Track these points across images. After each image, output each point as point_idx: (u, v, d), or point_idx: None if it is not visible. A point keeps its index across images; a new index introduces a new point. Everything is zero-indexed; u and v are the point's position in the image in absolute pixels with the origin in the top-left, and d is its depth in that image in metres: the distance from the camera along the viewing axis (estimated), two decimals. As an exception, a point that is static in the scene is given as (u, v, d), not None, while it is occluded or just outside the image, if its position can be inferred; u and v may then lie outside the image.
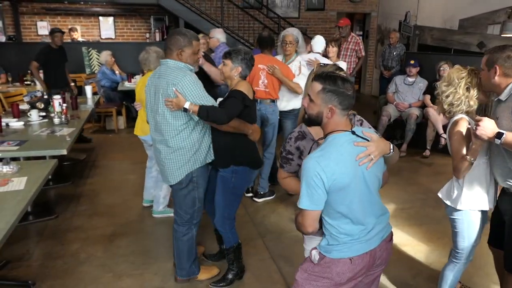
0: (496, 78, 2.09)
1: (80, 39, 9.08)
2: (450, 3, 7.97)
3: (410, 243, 3.50)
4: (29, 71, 7.41)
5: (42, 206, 4.04)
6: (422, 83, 6.00)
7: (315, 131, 1.94)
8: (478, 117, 2.03)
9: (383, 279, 2.93)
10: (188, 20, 8.25)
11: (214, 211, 2.86)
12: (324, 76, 1.67)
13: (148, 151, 3.98)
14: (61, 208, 4.10)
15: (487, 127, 1.96)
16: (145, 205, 4.13)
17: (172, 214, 3.36)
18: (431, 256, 3.31)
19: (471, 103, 2.24)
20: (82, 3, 9.26)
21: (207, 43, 5.00)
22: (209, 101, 2.50)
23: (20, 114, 4.40)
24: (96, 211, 4.07)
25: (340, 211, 1.67)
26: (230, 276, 2.91)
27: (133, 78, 7.49)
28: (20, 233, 3.53)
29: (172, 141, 2.56)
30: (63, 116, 4.29)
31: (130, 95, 6.34)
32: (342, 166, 1.62)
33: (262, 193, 4.36)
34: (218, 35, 5.05)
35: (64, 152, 3.45)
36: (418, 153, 5.82)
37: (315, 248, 1.78)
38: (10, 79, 7.52)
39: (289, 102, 4.30)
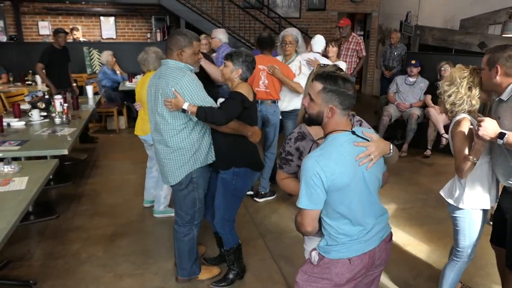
0: (498, 77, 2.09)
1: (81, 39, 9.10)
2: (451, 3, 7.96)
3: (411, 243, 3.49)
4: (30, 71, 7.44)
5: (43, 206, 4.04)
6: (423, 83, 5.99)
7: (314, 132, 1.93)
8: (480, 118, 2.03)
9: (384, 279, 2.93)
10: (189, 20, 8.26)
11: (213, 214, 2.86)
12: (325, 75, 1.67)
13: (148, 151, 3.98)
14: (62, 208, 4.11)
15: (489, 127, 1.96)
16: (145, 205, 4.13)
17: (173, 214, 3.36)
18: (432, 256, 3.31)
19: (473, 102, 2.24)
20: (83, 3, 9.27)
21: (209, 44, 5.00)
22: (208, 102, 2.49)
23: (21, 114, 4.41)
24: (97, 211, 4.08)
25: (339, 211, 1.67)
26: (231, 276, 2.91)
27: (134, 78, 7.50)
28: (21, 233, 3.54)
29: (171, 141, 2.56)
30: (64, 116, 4.30)
31: (131, 95, 6.34)
32: (341, 166, 1.61)
33: (263, 193, 4.36)
34: (220, 35, 5.05)
35: (65, 152, 3.46)
36: (419, 153, 5.82)
37: (315, 249, 1.78)
38: (11, 79, 7.53)
39: (290, 103, 4.30)
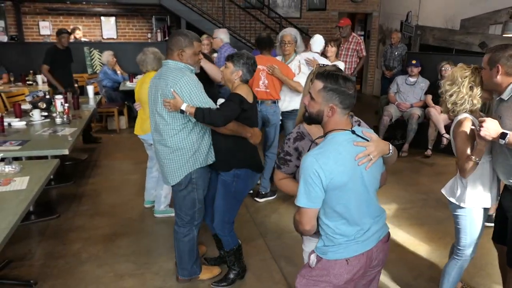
0: (498, 77, 2.09)
1: (82, 39, 9.10)
2: (451, 3, 7.96)
3: (412, 243, 3.49)
4: (31, 71, 7.45)
5: (44, 206, 4.05)
6: (424, 83, 5.99)
7: (313, 132, 1.93)
8: (481, 118, 2.03)
9: (385, 280, 2.93)
10: (190, 20, 8.26)
11: (212, 217, 2.85)
12: (326, 74, 1.66)
13: (148, 151, 3.99)
14: (63, 207, 4.11)
15: (491, 127, 1.96)
16: (146, 206, 4.13)
17: (173, 214, 3.36)
18: (432, 256, 3.30)
19: (475, 102, 2.24)
20: (84, 3, 9.28)
21: (211, 44, 4.99)
22: (207, 103, 2.49)
23: (22, 114, 4.41)
24: (98, 211, 4.08)
25: (337, 210, 1.66)
26: (231, 275, 2.91)
27: (134, 78, 7.49)
28: (22, 232, 3.54)
29: (171, 141, 2.56)
30: (65, 116, 4.30)
31: (131, 95, 6.30)
32: (340, 165, 1.61)
33: (263, 193, 4.36)
34: (222, 36, 5.04)
35: (66, 152, 3.46)
36: (419, 153, 5.82)
37: (313, 251, 1.77)
38: (12, 79, 7.54)
39: (290, 103, 4.30)
